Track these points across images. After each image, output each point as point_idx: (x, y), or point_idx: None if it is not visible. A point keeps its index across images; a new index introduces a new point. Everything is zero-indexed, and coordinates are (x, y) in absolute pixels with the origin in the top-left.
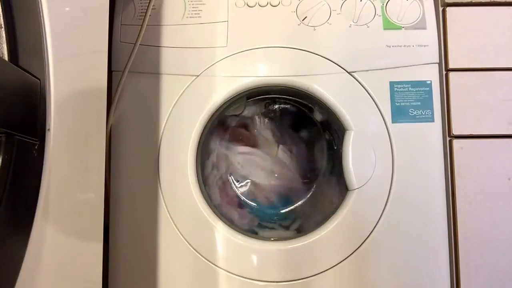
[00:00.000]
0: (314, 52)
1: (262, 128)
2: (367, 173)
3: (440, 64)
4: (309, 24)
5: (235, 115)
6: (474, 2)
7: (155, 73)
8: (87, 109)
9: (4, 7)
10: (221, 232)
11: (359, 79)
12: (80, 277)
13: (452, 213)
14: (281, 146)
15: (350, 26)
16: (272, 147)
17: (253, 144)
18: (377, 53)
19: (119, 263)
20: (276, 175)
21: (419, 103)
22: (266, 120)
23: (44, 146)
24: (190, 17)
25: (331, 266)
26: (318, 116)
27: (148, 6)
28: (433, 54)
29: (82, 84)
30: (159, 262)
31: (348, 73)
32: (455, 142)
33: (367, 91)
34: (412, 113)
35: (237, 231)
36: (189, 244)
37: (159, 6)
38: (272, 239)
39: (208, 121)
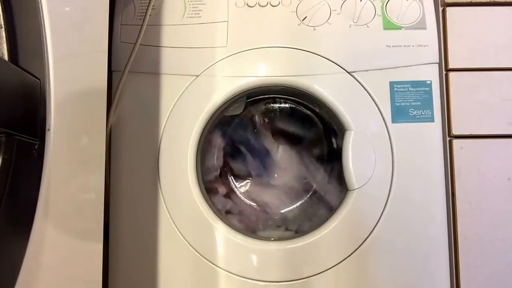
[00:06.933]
0: (314, 52)
1: (262, 128)
2: (367, 173)
3: (440, 64)
4: (309, 24)
5: (235, 115)
6: (474, 2)
7: (155, 73)
8: (87, 109)
9: (4, 7)
10: (221, 232)
11: (359, 79)
12: (80, 277)
13: (452, 213)
14: (281, 146)
15: (350, 26)
16: (272, 147)
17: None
18: (377, 53)
19: (119, 263)
20: (276, 175)
21: (419, 103)
22: (266, 120)
23: (44, 146)
24: (190, 17)
25: (331, 266)
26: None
27: (148, 6)
28: (433, 54)
29: (82, 84)
30: (159, 262)
31: (348, 73)
32: (455, 142)
33: (367, 91)
34: (412, 113)
35: (237, 231)
36: (189, 244)
37: (159, 6)
38: (272, 239)
39: (208, 121)
